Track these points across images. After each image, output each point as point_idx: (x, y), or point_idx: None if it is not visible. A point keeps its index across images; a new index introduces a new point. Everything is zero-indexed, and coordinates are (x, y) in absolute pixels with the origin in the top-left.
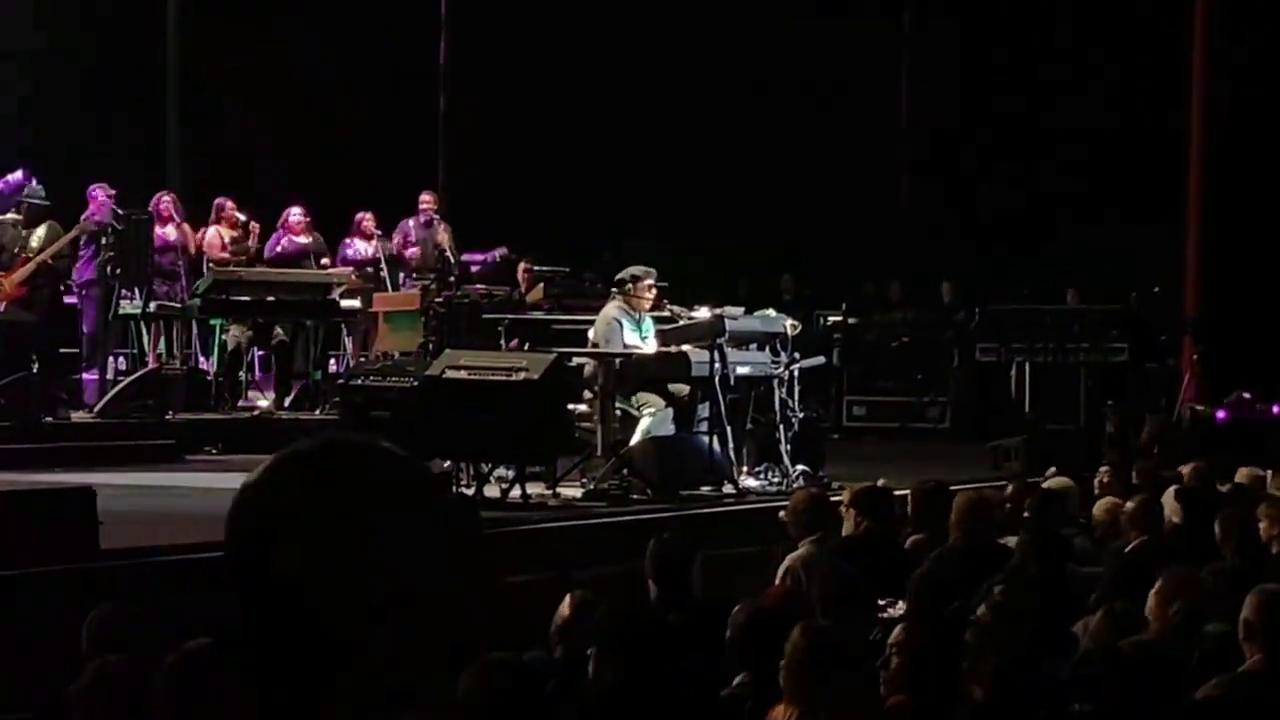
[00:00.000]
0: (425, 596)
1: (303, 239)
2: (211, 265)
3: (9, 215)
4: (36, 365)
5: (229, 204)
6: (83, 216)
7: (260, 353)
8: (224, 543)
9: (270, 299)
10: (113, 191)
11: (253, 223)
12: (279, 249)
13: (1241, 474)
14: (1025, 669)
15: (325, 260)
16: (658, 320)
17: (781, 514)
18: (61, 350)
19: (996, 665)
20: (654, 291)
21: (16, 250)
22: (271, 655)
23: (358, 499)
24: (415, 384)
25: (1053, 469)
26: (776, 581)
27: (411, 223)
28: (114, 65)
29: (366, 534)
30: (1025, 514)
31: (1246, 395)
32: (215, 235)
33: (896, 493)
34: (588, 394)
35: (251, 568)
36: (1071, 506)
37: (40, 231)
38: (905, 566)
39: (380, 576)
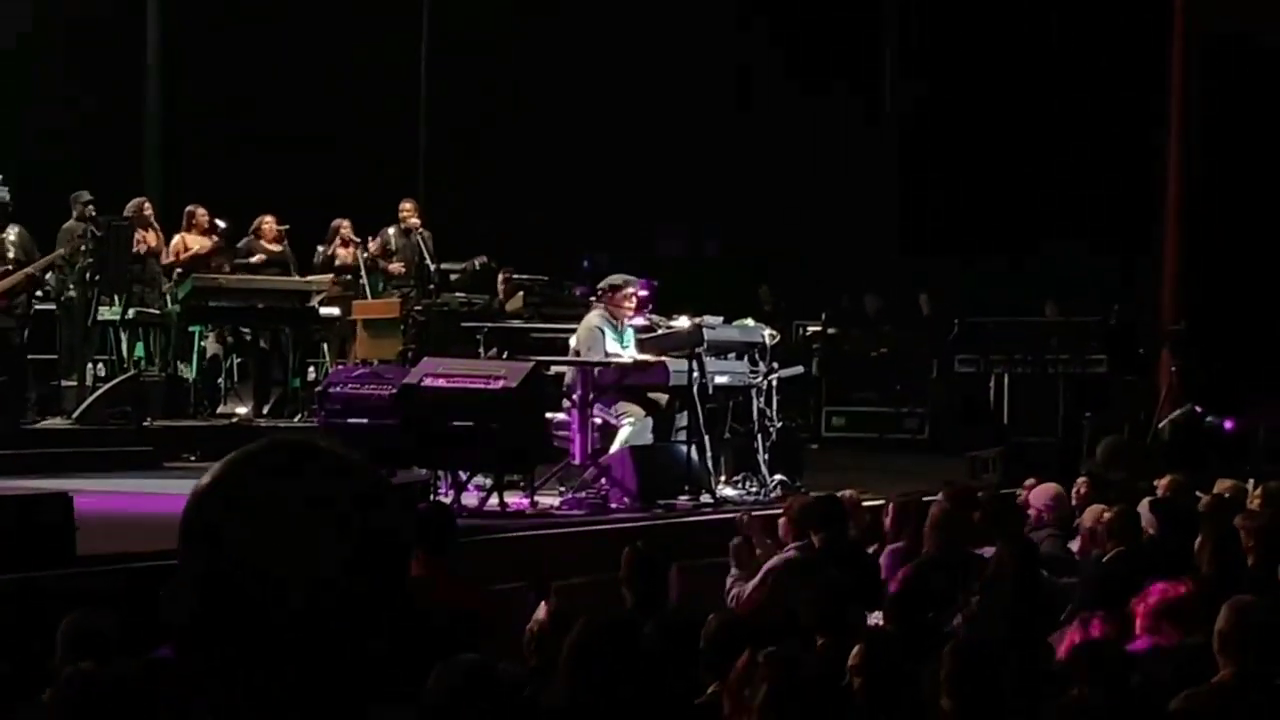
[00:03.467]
0: (358, 588)
1: (274, 247)
2: (179, 271)
3: None
4: (13, 371)
5: (199, 210)
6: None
7: (239, 360)
8: (178, 534)
9: (249, 306)
10: (90, 199)
11: (218, 221)
12: (251, 259)
13: (1221, 486)
14: (997, 681)
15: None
16: (637, 330)
17: (781, 519)
18: (40, 357)
19: (967, 676)
20: (635, 300)
21: None
22: (219, 651)
23: (295, 490)
24: (394, 392)
25: (1031, 480)
26: (757, 580)
27: (391, 230)
28: (93, 70)
29: (301, 523)
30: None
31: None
32: (179, 241)
33: (870, 504)
34: (566, 402)
35: (199, 553)
36: (1061, 513)
37: (11, 236)
38: (874, 577)
39: (312, 561)
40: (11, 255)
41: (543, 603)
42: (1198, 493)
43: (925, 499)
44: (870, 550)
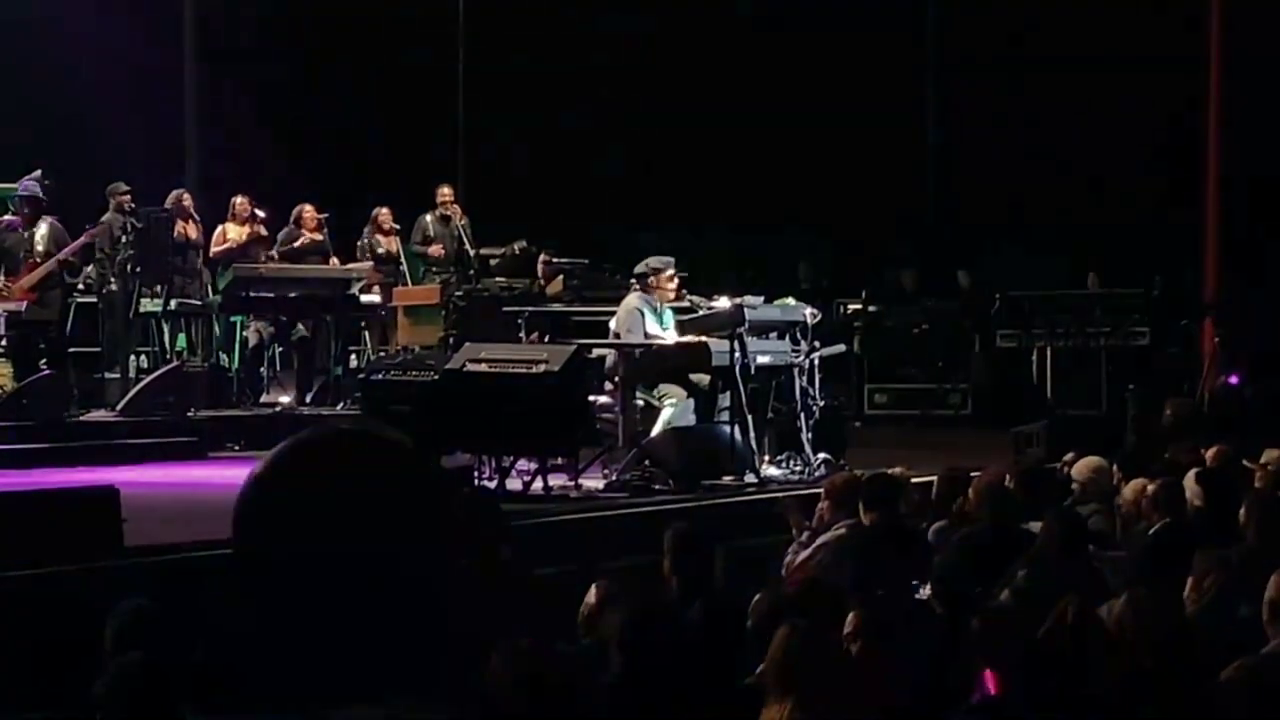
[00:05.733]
0: (408, 579)
1: (315, 235)
2: (220, 263)
3: (6, 217)
4: (55, 364)
5: (240, 201)
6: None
7: (281, 349)
8: (233, 519)
9: (290, 295)
10: (127, 190)
11: (258, 211)
12: (295, 244)
13: (1269, 455)
14: (1040, 654)
15: (335, 261)
16: (677, 311)
17: (822, 501)
18: (83, 350)
19: (1012, 651)
20: (675, 281)
21: (22, 254)
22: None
23: (347, 480)
24: (436, 378)
25: (1070, 454)
26: (805, 556)
27: (429, 217)
28: (132, 61)
29: (352, 512)
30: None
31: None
32: (219, 233)
33: (915, 480)
34: (609, 385)
35: (253, 537)
36: (1104, 486)
37: (42, 230)
38: (924, 553)
39: (356, 554)
40: (41, 249)
41: (593, 585)
42: (1245, 463)
43: (972, 474)
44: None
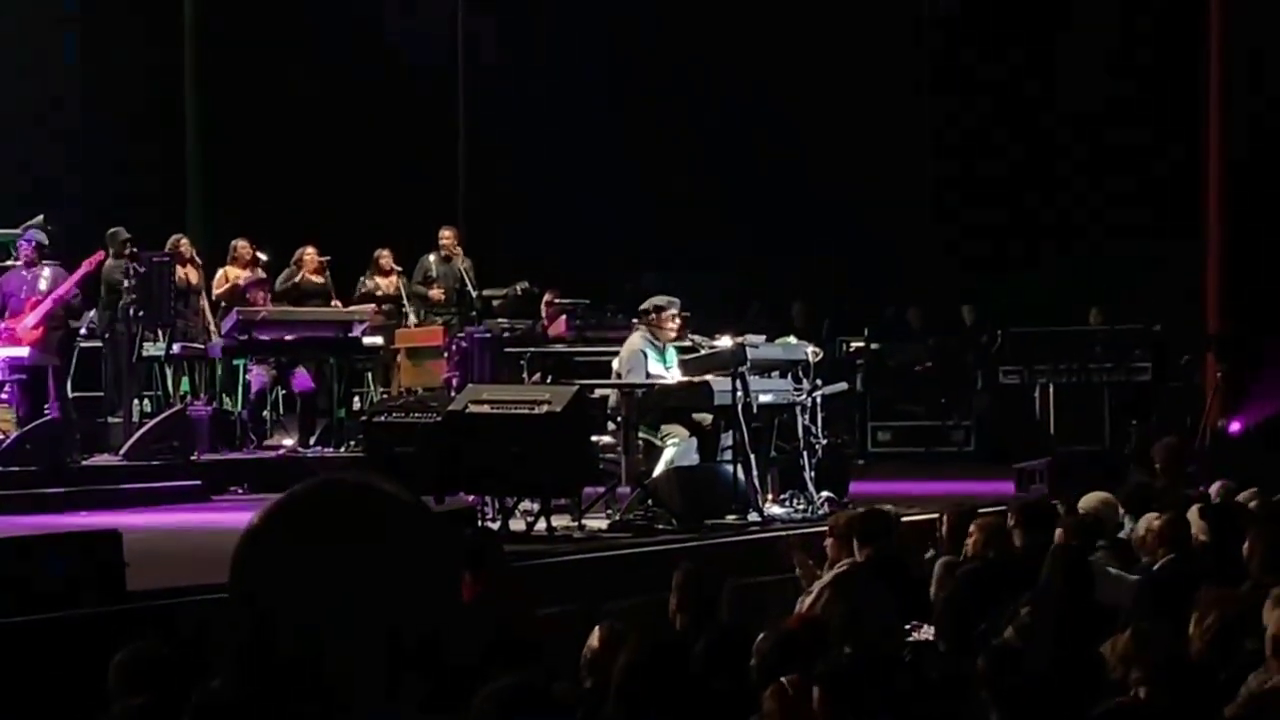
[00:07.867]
0: (395, 635)
1: (316, 278)
2: (223, 304)
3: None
4: (59, 409)
5: (241, 244)
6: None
7: (284, 392)
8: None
9: (293, 338)
10: (128, 236)
11: (260, 254)
12: (291, 283)
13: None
14: (1047, 690)
15: (336, 304)
16: (680, 350)
17: (826, 539)
18: (85, 394)
19: (1018, 687)
20: (678, 321)
21: (24, 295)
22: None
23: (338, 540)
24: (439, 419)
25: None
26: (814, 597)
27: (431, 258)
28: (132, 109)
29: (342, 575)
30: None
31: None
32: (220, 276)
33: (918, 517)
34: (611, 425)
35: (239, 605)
36: (1110, 522)
37: (46, 274)
38: (919, 590)
39: (346, 615)
40: (43, 288)
41: (596, 627)
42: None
43: (981, 510)
44: (925, 557)
